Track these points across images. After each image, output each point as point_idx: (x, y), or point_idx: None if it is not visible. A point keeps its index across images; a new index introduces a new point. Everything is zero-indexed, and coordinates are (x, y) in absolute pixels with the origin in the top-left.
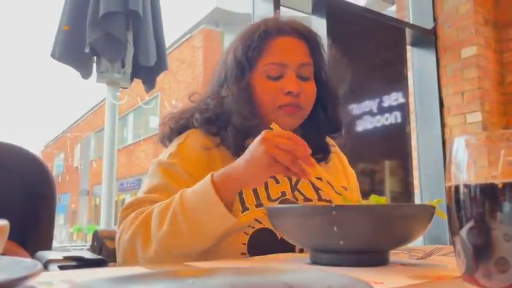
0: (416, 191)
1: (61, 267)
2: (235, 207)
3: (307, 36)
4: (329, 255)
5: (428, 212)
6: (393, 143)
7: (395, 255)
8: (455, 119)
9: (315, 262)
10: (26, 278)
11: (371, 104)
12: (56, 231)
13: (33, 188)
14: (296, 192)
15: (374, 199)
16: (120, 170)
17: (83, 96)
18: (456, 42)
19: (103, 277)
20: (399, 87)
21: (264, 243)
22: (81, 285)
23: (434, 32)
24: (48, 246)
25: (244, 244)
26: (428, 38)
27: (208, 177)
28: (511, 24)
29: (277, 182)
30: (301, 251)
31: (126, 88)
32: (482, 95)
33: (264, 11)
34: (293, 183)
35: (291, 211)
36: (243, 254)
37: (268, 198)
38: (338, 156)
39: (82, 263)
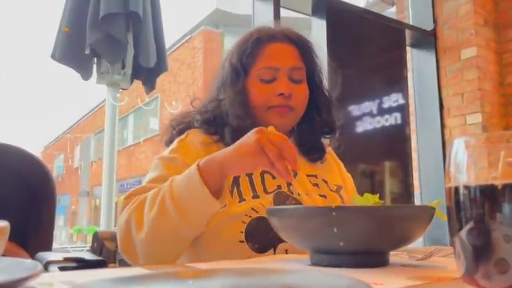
0: (416, 192)
1: (61, 268)
2: (224, 193)
3: (298, 42)
4: (328, 256)
5: (428, 213)
6: (393, 144)
7: (395, 256)
8: (455, 120)
9: (315, 263)
10: (26, 279)
11: (370, 105)
12: (56, 232)
13: (33, 189)
14: (291, 186)
15: (366, 198)
16: (120, 171)
17: (83, 97)
18: (456, 43)
19: (103, 278)
20: (399, 88)
21: (260, 231)
22: (81, 286)
23: (434, 33)
24: (48, 248)
25: (242, 232)
26: (428, 39)
27: (195, 163)
28: (510, 25)
29: (274, 177)
30: None
31: (126, 89)
32: (482, 96)
33: (264, 12)
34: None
35: (290, 212)
36: (240, 241)
37: (265, 191)
38: (334, 160)
39: (82, 264)
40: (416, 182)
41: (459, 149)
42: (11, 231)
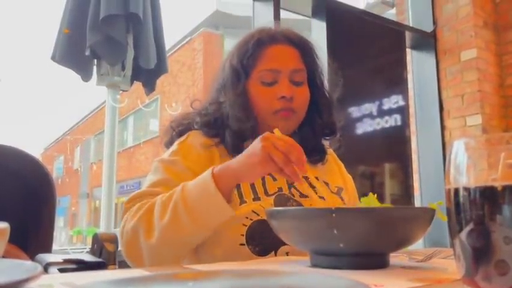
0: (416, 194)
1: (61, 270)
2: (234, 200)
3: (299, 44)
4: (328, 257)
5: (428, 214)
6: (393, 146)
7: (395, 257)
8: (455, 122)
9: (315, 265)
10: (26, 280)
11: (371, 107)
12: (56, 234)
13: (33, 191)
14: (292, 188)
15: (370, 198)
16: (120, 172)
17: (83, 98)
18: (456, 45)
19: (102, 280)
20: (399, 90)
21: (261, 234)
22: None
23: (433, 35)
24: (48, 249)
25: (243, 235)
26: (427, 41)
27: (209, 170)
28: (510, 26)
29: (275, 179)
30: None
31: (126, 91)
32: (482, 98)
33: (264, 14)
34: (290, 181)
35: (290, 213)
36: (241, 244)
37: (265, 193)
38: (335, 161)
39: (81, 265)
40: (416, 184)
41: (459, 151)
42: (11, 233)
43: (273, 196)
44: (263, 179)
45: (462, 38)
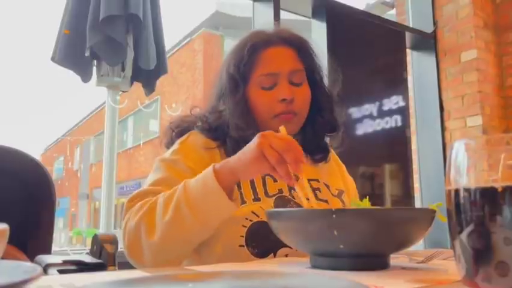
0: (416, 195)
1: (61, 271)
2: (235, 196)
3: (294, 43)
4: (329, 259)
5: (428, 215)
6: (394, 147)
7: (395, 259)
8: (455, 123)
9: (315, 266)
10: (25, 281)
11: (371, 108)
12: (56, 235)
13: (32, 192)
14: (293, 191)
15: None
16: (120, 173)
17: (83, 99)
18: (456, 45)
19: (102, 281)
20: (399, 90)
21: (261, 236)
22: None
23: (434, 35)
24: (47, 250)
25: (242, 236)
26: (428, 42)
27: (210, 167)
28: (510, 27)
29: (275, 180)
30: None
31: (126, 92)
32: (482, 99)
33: (264, 14)
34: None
35: (290, 214)
36: (240, 246)
37: (266, 194)
38: (336, 163)
39: (81, 267)
40: (416, 185)
41: (459, 152)
42: (10, 234)
43: (273, 197)
44: (263, 179)
45: (462, 38)
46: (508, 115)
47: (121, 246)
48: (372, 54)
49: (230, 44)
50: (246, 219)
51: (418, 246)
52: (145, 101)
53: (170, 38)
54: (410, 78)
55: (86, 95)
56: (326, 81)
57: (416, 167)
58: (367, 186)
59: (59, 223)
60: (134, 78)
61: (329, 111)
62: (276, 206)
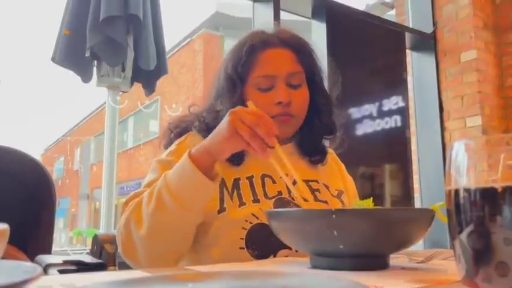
0: (416, 195)
1: (61, 271)
2: (214, 174)
3: (294, 45)
4: (328, 259)
5: (428, 215)
6: (393, 147)
7: (395, 259)
8: (455, 123)
9: (315, 266)
10: (26, 282)
11: (371, 108)
12: (56, 235)
13: (33, 192)
14: (292, 192)
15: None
16: (120, 173)
17: (83, 100)
18: (455, 46)
19: (102, 281)
20: (399, 91)
21: (261, 238)
22: None
23: (433, 36)
24: (48, 250)
25: (242, 239)
26: (427, 42)
27: (186, 152)
28: (510, 28)
29: (274, 182)
30: None
31: (126, 92)
32: (482, 99)
33: (264, 15)
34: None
35: (290, 215)
36: (240, 248)
37: (265, 195)
38: (335, 162)
39: (81, 267)
40: (416, 185)
41: (459, 152)
42: (11, 234)
43: (273, 199)
44: (263, 181)
45: (462, 39)
46: (508, 115)
47: None
48: (372, 54)
49: (230, 44)
50: (246, 221)
51: (418, 246)
52: (145, 102)
53: (171, 39)
54: (409, 79)
55: (87, 95)
56: (326, 83)
57: (416, 168)
58: (367, 186)
59: (59, 223)
60: (135, 78)
61: (328, 113)
62: (275, 208)
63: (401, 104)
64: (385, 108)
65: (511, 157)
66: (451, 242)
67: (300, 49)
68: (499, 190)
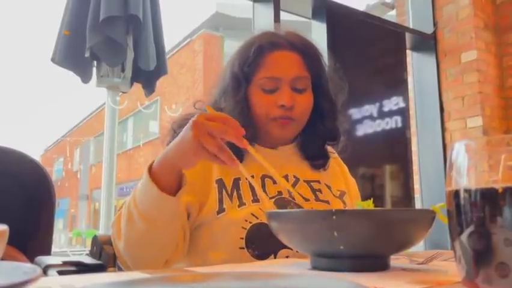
0: (417, 196)
1: (60, 272)
2: (184, 181)
3: (302, 49)
4: (329, 260)
5: (428, 216)
6: (394, 148)
7: (395, 260)
8: (455, 124)
9: (315, 267)
10: (25, 283)
11: (371, 108)
12: (55, 236)
13: (32, 193)
14: (292, 192)
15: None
16: (119, 174)
17: (83, 100)
18: (456, 46)
19: (102, 282)
20: (399, 91)
21: (261, 237)
22: None
23: (434, 36)
24: (47, 251)
25: (242, 238)
26: (428, 43)
27: (148, 164)
28: (511, 28)
29: (274, 182)
30: None
31: (126, 92)
32: (482, 100)
33: (264, 15)
34: (291, 184)
35: (291, 215)
36: (240, 248)
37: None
38: (338, 164)
39: (81, 268)
40: (416, 186)
41: (459, 153)
42: (10, 235)
43: (273, 199)
44: (263, 181)
45: (462, 39)
46: (509, 116)
47: None
48: (373, 55)
49: (230, 45)
50: (246, 221)
51: (418, 247)
52: (145, 102)
53: (170, 39)
54: (410, 79)
55: (86, 95)
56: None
57: (416, 168)
58: (367, 187)
59: (58, 224)
60: (134, 79)
61: (331, 119)
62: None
63: (402, 104)
64: (385, 108)
65: (511, 158)
66: (452, 243)
67: (309, 54)
68: (500, 191)
